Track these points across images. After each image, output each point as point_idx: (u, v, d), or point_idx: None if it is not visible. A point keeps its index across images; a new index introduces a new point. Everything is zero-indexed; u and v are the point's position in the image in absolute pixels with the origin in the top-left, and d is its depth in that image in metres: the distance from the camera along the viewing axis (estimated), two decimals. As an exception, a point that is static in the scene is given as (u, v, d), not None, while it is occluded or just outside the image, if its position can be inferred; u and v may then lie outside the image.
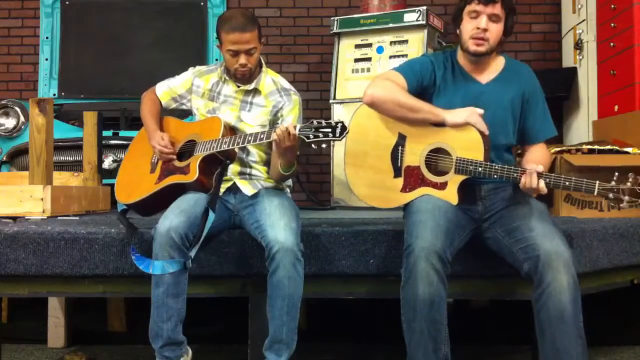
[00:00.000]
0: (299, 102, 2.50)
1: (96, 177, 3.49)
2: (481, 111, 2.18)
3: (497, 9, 2.18)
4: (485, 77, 2.30)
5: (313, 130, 2.13)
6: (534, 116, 2.30)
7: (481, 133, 2.16)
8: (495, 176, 2.13)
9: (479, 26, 2.18)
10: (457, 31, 2.27)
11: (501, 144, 2.27)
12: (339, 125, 2.12)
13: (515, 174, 2.11)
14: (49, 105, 2.92)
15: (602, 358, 3.05)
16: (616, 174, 2.04)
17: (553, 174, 2.09)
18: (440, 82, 2.29)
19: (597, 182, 2.04)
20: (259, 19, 2.46)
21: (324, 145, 2.14)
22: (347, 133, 2.12)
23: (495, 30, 2.20)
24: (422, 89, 2.28)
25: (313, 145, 2.13)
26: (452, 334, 2.09)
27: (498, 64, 2.32)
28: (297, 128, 2.15)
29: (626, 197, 2.01)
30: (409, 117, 2.24)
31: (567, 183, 2.07)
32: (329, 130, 2.12)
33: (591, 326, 2.02)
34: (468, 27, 2.21)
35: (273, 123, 2.47)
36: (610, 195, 2.02)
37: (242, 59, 2.36)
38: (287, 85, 2.52)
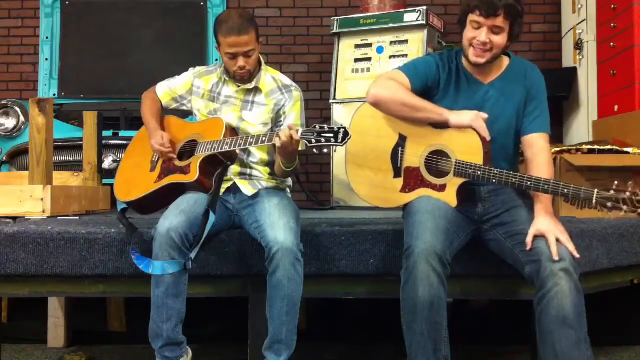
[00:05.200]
0: (301, 97, 2.50)
1: (96, 177, 3.49)
2: (485, 116, 2.17)
3: (499, 21, 2.13)
4: (489, 77, 2.28)
5: (315, 135, 2.13)
6: (532, 109, 2.25)
7: (482, 138, 2.15)
8: (494, 180, 2.12)
9: (479, 39, 2.15)
10: (463, 32, 2.24)
11: (505, 143, 2.27)
12: (342, 130, 2.12)
13: (514, 179, 2.10)
14: (49, 105, 2.92)
15: (602, 358, 3.05)
16: (616, 182, 2.02)
17: (552, 181, 2.08)
18: (444, 84, 2.28)
19: (596, 190, 2.01)
20: (259, 19, 2.45)
21: (325, 150, 2.14)
22: (349, 139, 2.12)
23: (497, 42, 2.16)
24: (426, 90, 2.28)
25: (315, 150, 2.14)
26: (452, 334, 2.09)
27: (502, 63, 2.30)
28: (300, 132, 2.15)
29: (624, 207, 1.98)
30: (413, 117, 2.23)
31: (566, 190, 2.03)
32: (332, 135, 2.12)
33: (591, 326, 2.02)
34: (469, 35, 2.19)
35: (275, 121, 2.47)
36: (609, 204, 2.00)
37: (241, 62, 2.35)
38: (287, 81, 2.51)
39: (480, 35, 2.15)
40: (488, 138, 2.16)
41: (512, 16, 2.15)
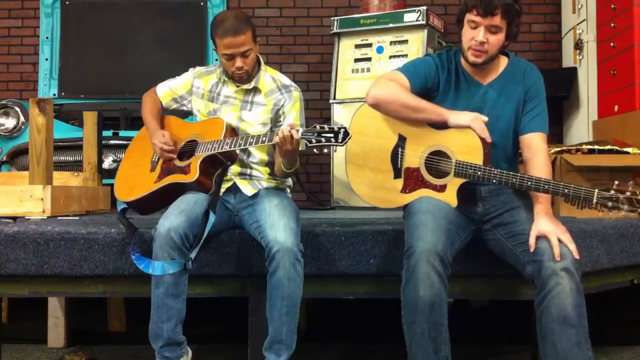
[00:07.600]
0: (300, 97, 2.49)
1: (96, 177, 3.49)
2: (485, 118, 2.16)
3: (496, 20, 2.12)
4: (488, 77, 2.28)
5: (315, 134, 2.13)
6: (530, 108, 2.25)
7: (482, 138, 2.15)
8: (495, 181, 2.12)
9: (477, 39, 2.15)
10: (461, 32, 2.24)
11: (504, 144, 2.26)
12: (342, 130, 2.12)
13: (514, 179, 2.10)
14: (49, 105, 2.92)
15: (603, 358, 3.05)
16: (616, 182, 2.02)
17: (552, 181, 2.08)
18: (444, 85, 2.27)
19: (596, 190, 2.01)
20: (259, 19, 2.46)
21: (325, 150, 2.14)
22: (349, 139, 2.12)
23: (494, 41, 2.16)
24: (426, 91, 2.27)
25: (315, 150, 2.14)
26: (452, 334, 2.09)
27: (501, 63, 2.29)
28: (300, 132, 2.15)
29: (625, 207, 1.98)
30: (413, 117, 2.23)
31: (566, 190, 2.04)
32: (332, 135, 2.12)
33: (591, 326, 2.02)
34: (467, 36, 2.18)
35: (275, 121, 2.47)
36: (609, 204, 2.00)
37: (238, 62, 2.35)
38: (287, 81, 2.51)
39: (477, 34, 2.15)
40: (488, 140, 2.16)
41: (510, 15, 2.14)
